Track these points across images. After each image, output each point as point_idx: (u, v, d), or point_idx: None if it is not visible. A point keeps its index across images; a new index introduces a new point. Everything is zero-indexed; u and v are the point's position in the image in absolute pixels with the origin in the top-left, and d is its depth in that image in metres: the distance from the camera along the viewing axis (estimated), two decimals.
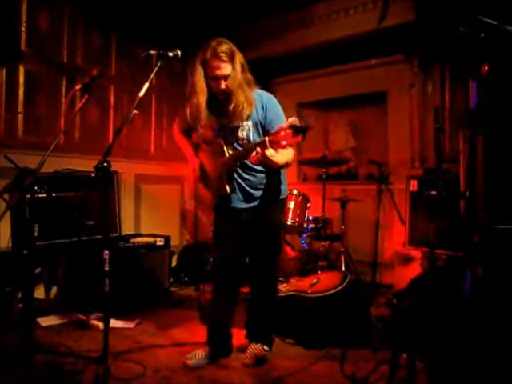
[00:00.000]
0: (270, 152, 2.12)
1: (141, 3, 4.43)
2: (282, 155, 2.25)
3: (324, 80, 5.29)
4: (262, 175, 2.55)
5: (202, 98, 2.42)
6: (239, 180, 2.51)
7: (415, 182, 3.83)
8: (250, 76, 2.44)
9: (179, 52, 2.25)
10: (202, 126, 2.50)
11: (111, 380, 2.01)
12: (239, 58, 2.38)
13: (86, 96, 2.35)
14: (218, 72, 2.34)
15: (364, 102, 5.32)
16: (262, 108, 2.46)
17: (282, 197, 2.64)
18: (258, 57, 4.69)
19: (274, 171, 2.54)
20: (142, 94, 2.05)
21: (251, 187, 2.53)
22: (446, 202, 2.62)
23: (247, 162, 2.46)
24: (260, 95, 2.50)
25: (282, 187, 2.63)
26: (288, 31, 5.03)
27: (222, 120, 2.47)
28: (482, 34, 1.57)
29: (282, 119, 2.43)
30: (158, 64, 2.17)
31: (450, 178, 3.17)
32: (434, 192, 3.63)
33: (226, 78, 2.36)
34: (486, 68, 1.78)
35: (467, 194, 2.05)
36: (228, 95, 2.39)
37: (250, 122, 2.46)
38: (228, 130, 2.48)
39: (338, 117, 5.72)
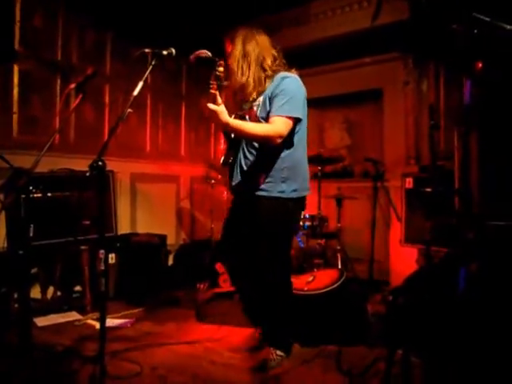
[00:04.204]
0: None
1: (136, 2, 4.41)
2: (240, 123, 2.27)
3: (319, 78, 5.28)
4: (263, 157, 2.40)
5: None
6: (241, 157, 2.47)
7: (410, 179, 3.84)
8: (261, 56, 2.41)
9: (173, 51, 2.24)
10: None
11: (108, 379, 2.02)
12: (242, 38, 2.42)
13: (81, 95, 2.35)
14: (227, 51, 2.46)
15: (359, 100, 5.33)
16: (276, 84, 2.37)
17: (283, 195, 2.38)
18: None
19: (273, 157, 2.40)
20: (136, 92, 2.05)
21: (249, 168, 2.43)
22: (441, 198, 2.62)
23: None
24: (282, 75, 2.40)
25: (286, 185, 2.39)
26: (283, 29, 5.02)
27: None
28: (475, 31, 1.57)
29: (287, 96, 2.32)
30: (153, 62, 2.17)
31: (445, 175, 3.17)
32: (429, 189, 3.64)
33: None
34: (480, 65, 1.79)
35: (461, 190, 2.06)
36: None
37: (261, 98, 2.43)
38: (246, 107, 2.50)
39: (333, 115, 5.72)
